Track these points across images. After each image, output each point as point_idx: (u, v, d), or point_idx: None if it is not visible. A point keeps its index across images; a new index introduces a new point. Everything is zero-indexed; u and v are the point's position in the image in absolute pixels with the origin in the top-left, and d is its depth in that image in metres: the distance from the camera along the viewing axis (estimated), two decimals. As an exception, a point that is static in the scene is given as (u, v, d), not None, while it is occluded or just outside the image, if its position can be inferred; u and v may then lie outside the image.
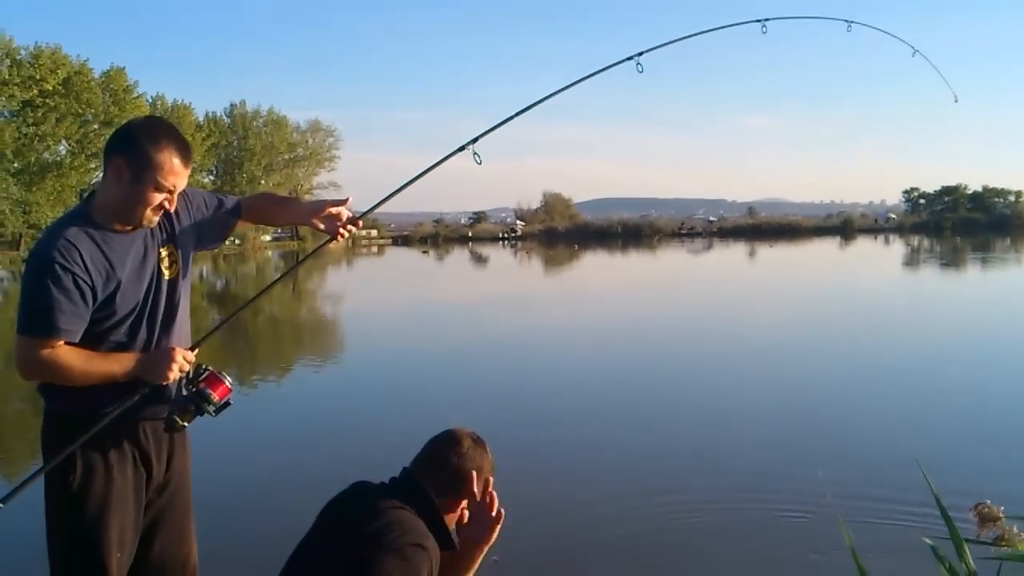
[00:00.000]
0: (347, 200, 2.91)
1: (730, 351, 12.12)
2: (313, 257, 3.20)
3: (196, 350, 2.67)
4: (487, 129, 3.21)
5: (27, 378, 2.52)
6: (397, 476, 2.40)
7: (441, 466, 2.37)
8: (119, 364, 2.51)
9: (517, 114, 3.34)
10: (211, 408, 2.59)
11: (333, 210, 2.88)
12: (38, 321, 2.41)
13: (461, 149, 3.14)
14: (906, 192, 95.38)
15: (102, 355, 2.50)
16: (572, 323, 16.55)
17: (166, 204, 2.54)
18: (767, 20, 4.16)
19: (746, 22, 4.18)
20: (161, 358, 2.56)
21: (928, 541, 1.72)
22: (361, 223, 3.00)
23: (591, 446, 6.93)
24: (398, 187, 3.16)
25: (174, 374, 2.56)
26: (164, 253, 2.66)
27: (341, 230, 2.88)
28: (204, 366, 2.66)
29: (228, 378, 2.65)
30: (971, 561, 1.50)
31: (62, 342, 2.43)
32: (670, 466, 6.37)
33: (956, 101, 4.64)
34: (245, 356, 13.05)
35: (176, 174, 2.52)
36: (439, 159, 3.20)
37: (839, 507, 4.62)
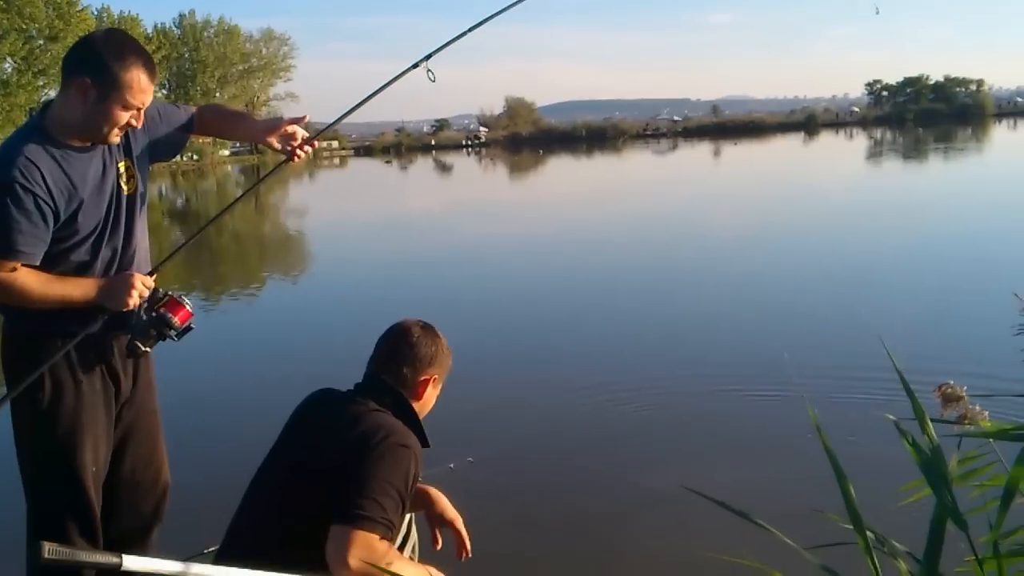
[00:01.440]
0: (303, 118, 2.84)
1: (696, 250, 12.21)
2: (273, 173, 3.10)
3: (155, 275, 2.62)
4: (439, 46, 3.07)
5: None
6: (362, 381, 2.39)
7: (399, 360, 2.35)
8: (78, 289, 2.46)
9: (472, 29, 3.18)
10: (172, 333, 2.58)
11: (289, 129, 2.80)
12: None
13: (414, 67, 3.01)
14: (868, 85, 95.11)
15: (60, 279, 2.44)
16: (537, 229, 16.55)
17: (132, 122, 2.46)
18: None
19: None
20: (120, 285, 2.50)
21: (891, 417, 1.74)
22: (317, 143, 2.93)
23: (562, 347, 7.00)
24: (352, 106, 3.09)
25: (133, 300, 2.51)
26: (122, 168, 2.58)
27: (298, 151, 2.81)
28: (164, 291, 2.61)
29: (188, 302, 2.61)
30: (934, 436, 1.53)
31: (19, 264, 2.35)
32: (640, 358, 6.46)
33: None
34: (209, 274, 12.94)
35: (144, 92, 2.43)
36: (392, 77, 3.05)
37: (805, 387, 4.76)
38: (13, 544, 2.56)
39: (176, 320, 2.56)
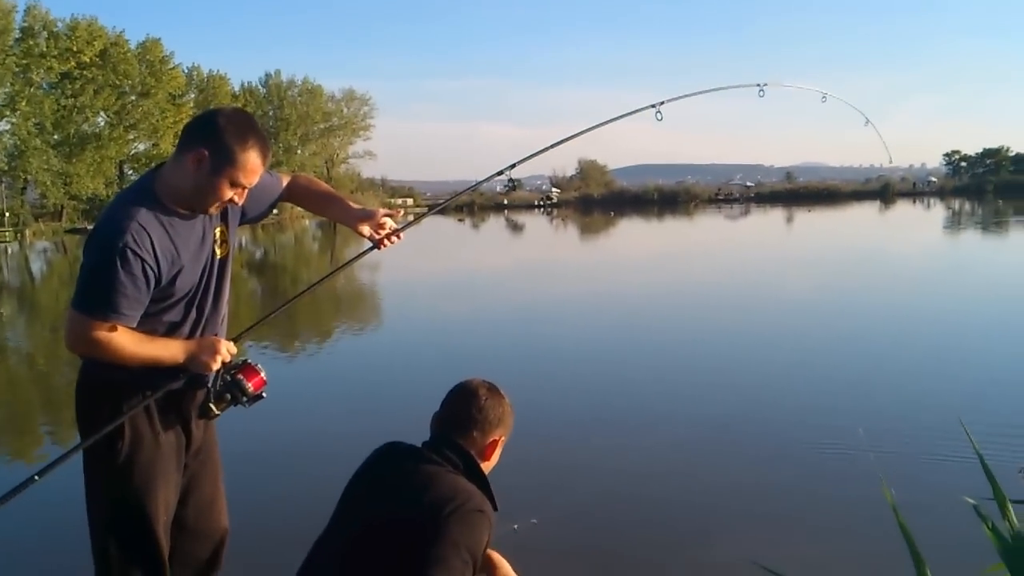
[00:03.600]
0: (398, 212, 2.91)
1: (768, 315, 12.02)
2: (357, 260, 3.17)
3: (237, 341, 2.70)
4: (673, 97, 3.58)
5: (74, 351, 2.51)
6: (431, 439, 2.40)
7: (468, 422, 2.36)
8: (167, 351, 2.53)
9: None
10: (245, 400, 2.65)
11: (381, 220, 2.88)
12: (100, 301, 2.38)
13: (650, 107, 3.51)
14: (947, 155, 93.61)
15: (151, 340, 2.50)
16: (608, 289, 16.50)
17: (235, 199, 2.54)
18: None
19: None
20: (206, 349, 2.57)
21: (970, 500, 1.69)
22: (403, 235, 2.97)
23: (626, 408, 6.92)
24: (530, 152, 3.51)
25: (216, 365, 2.58)
26: (217, 233, 2.67)
27: (385, 241, 2.89)
28: (242, 357, 2.69)
29: (263, 371, 2.68)
30: (1015, 520, 1.49)
31: (119, 325, 2.42)
32: (709, 422, 6.31)
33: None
34: (282, 324, 13.18)
35: (255, 173, 2.53)
36: (617, 115, 3.62)
37: (880, 462, 4.63)
38: None
39: (250, 387, 2.64)
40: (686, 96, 3.78)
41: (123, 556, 2.60)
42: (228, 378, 2.63)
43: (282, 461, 5.85)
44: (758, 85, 3.92)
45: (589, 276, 20.04)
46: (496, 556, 2.54)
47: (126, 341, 2.44)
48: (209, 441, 2.83)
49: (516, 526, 3.94)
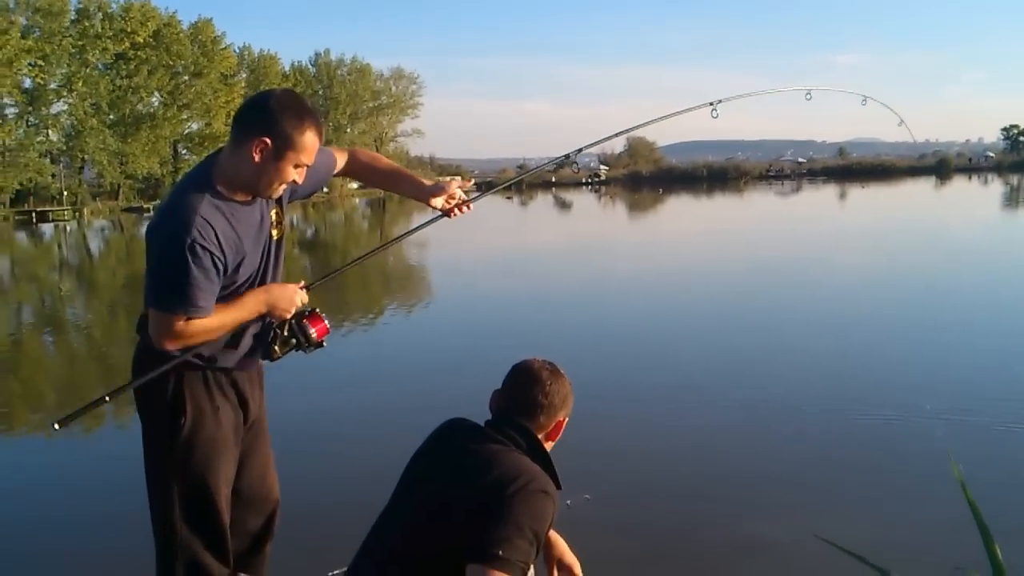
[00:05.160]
0: (469, 181, 2.95)
1: (828, 290, 11.86)
2: (429, 224, 3.16)
3: (309, 290, 2.75)
4: (728, 97, 3.76)
5: (165, 348, 2.53)
6: (494, 418, 2.40)
7: (533, 404, 2.35)
8: (246, 310, 2.60)
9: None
10: (308, 346, 2.70)
11: (453, 191, 2.95)
12: (178, 299, 2.43)
13: (707, 104, 3.69)
14: (1005, 130, 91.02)
15: (227, 307, 2.55)
16: (661, 266, 16.42)
17: (297, 179, 2.58)
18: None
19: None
20: (284, 295, 2.66)
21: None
22: (472, 206, 3.03)
23: (683, 384, 6.86)
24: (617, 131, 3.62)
25: (292, 311, 2.67)
26: (273, 216, 2.71)
27: (455, 210, 2.96)
28: (309, 306, 2.74)
29: (327, 320, 2.74)
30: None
31: (197, 317, 2.48)
32: (768, 397, 6.23)
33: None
34: (332, 299, 13.32)
35: (315, 151, 2.57)
36: (679, 111, 3.81)
37: (949, 437, 4.57)
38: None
39: (314, 334, 2.70)
40: (740, 96, 4.02)
41: (188, 531, 2.65)
42: (294, 324, 2.69)
43: (346, 436, 5.89)
44: (806, 90, 4.20)
45: (641, 253, 19.93)
46: (553, 533, 2.54)
47: (207, 323, 2.49)
48: (261, 414, 2.89)
49: (569, 501, 3.95)
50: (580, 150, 3.52)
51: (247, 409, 2.77)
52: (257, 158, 2.47)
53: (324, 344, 2.75)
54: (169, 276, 2.44)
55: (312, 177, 2.80)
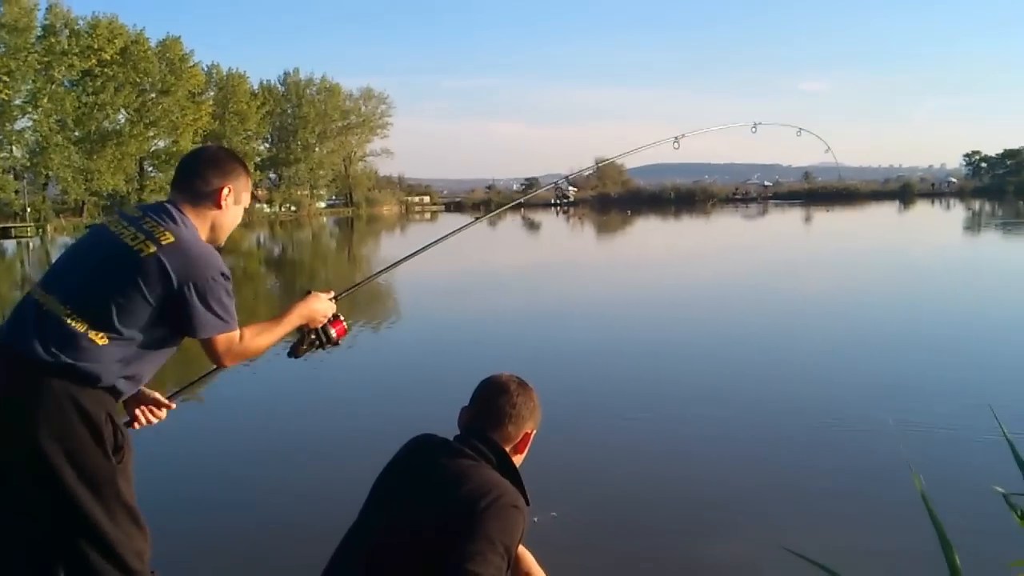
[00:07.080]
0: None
1: (795, 311, 11.98)
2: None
3: (337, 300, 2.99)
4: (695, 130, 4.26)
5: (227, 365, 2.68)
6: (463, 433, 2.39)
7: (501, 417, 2.36)
8: (291, 323, 2.83)
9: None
10: (329, 345, 2.96)
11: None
12: (225, 322, 2.58)
13: (672, 139, 4.27)
14: (967, 156, 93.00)
15: (276, 320, 2.79)
16: (627, 285, 16.49)
17: None
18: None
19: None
20: (322, 305, 2.91)
21: (1000, 490, 1.69)
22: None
23: (651, 402, 6.88)
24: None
25: (324, 320, 2.92)
26: None
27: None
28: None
29: (346, 321, 3.00)
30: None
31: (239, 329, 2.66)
32: (736, 416, 6.26)
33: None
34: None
35: None
36: (645, 144, 4.36)
37: (912, 453, 4.62)
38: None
39: (334, 334, 2.96)
40: (697, 132, 4.70)
41: (125, 550, 2.52)
42: (320, 327, 2.92)
43: (303, 459, 5.79)
44: (752, 124, 4.95)
45: (599, 274, 20.03)
46: (521, 548, 2.54)
47: (255, 337, 2.67)
48: None
49: (536, 518, 3.94)
50: (567, 177, 3.82)
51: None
52: (235, 202, 2.73)
53: (338, 343, 2.99)
54: (217, 305, 2.55)
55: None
